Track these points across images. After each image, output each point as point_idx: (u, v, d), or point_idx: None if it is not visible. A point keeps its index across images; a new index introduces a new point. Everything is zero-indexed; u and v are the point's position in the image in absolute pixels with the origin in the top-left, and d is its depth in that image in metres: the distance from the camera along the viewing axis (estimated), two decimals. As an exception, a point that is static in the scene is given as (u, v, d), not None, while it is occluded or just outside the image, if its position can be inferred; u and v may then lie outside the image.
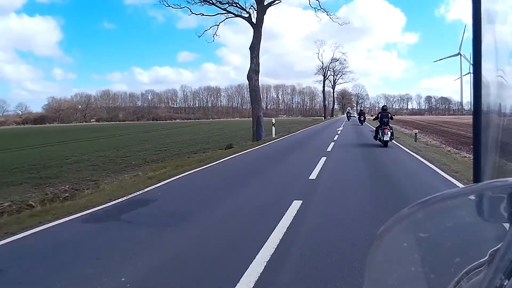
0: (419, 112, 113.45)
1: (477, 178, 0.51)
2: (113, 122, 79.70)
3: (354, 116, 46.62)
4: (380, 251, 0.42)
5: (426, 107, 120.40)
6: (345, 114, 53.61)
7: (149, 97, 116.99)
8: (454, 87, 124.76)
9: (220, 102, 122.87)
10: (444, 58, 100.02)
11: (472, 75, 0.52)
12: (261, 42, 19.08)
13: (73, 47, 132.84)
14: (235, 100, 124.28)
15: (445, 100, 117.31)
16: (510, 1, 0.52)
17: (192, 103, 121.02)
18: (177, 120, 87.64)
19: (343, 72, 79.33)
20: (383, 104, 16.55)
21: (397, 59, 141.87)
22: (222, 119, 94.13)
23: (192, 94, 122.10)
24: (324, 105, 78.62)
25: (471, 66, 0.52)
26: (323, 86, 77.77)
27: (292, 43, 65.44)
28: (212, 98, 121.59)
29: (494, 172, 0.50)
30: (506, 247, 0.35)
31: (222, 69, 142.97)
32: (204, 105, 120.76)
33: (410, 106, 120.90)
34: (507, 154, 0.50)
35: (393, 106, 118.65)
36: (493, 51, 0.52)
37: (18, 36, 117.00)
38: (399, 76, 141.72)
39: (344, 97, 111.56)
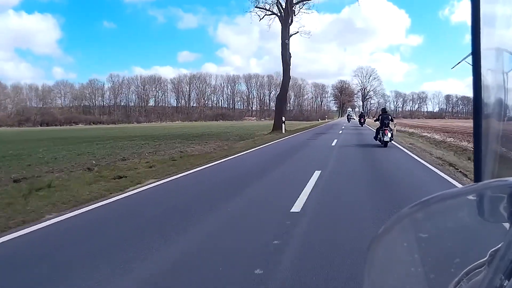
0: (439, 114, 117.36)
1: (477, 178, 0.65)
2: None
3: (354, 119, 58.25)
4: (380, 251, 0.54)
5: (443, 108, 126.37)
6: (346, 117, 63.21)
7: (61, 93, 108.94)
8: (458, 89, 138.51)
9: (161, 99, 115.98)
10: (460, 62, 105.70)
11: (472, 76, 0.67)
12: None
13: (73, 46, 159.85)
14: (185, 96, 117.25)
15: (467, 100, 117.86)
16: (510, 4, 0.68)
17: (120, 100, 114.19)
18: (79, 125, 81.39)
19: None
20: (382, 107, 21.14)
21: (400, 62, 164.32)
22: (152, 123, 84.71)
23: (119, 87, 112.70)
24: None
25: (471, 68, 0.68)
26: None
27: (294, 45, 69.39)
28: (150, 92, 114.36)
29: (495, 172, 0.64)
30: (506, 247, 0.44)
31: (223, 69, 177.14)
32: (140, 103, 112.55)
33: (424, 108, 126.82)
34: (507, 154, 0.66)
35: (407, 108, 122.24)
36: (493, 52, 0.67)
37: (17, 34, 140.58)
38: (401, 80, 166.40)
39: (343, 92, 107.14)
